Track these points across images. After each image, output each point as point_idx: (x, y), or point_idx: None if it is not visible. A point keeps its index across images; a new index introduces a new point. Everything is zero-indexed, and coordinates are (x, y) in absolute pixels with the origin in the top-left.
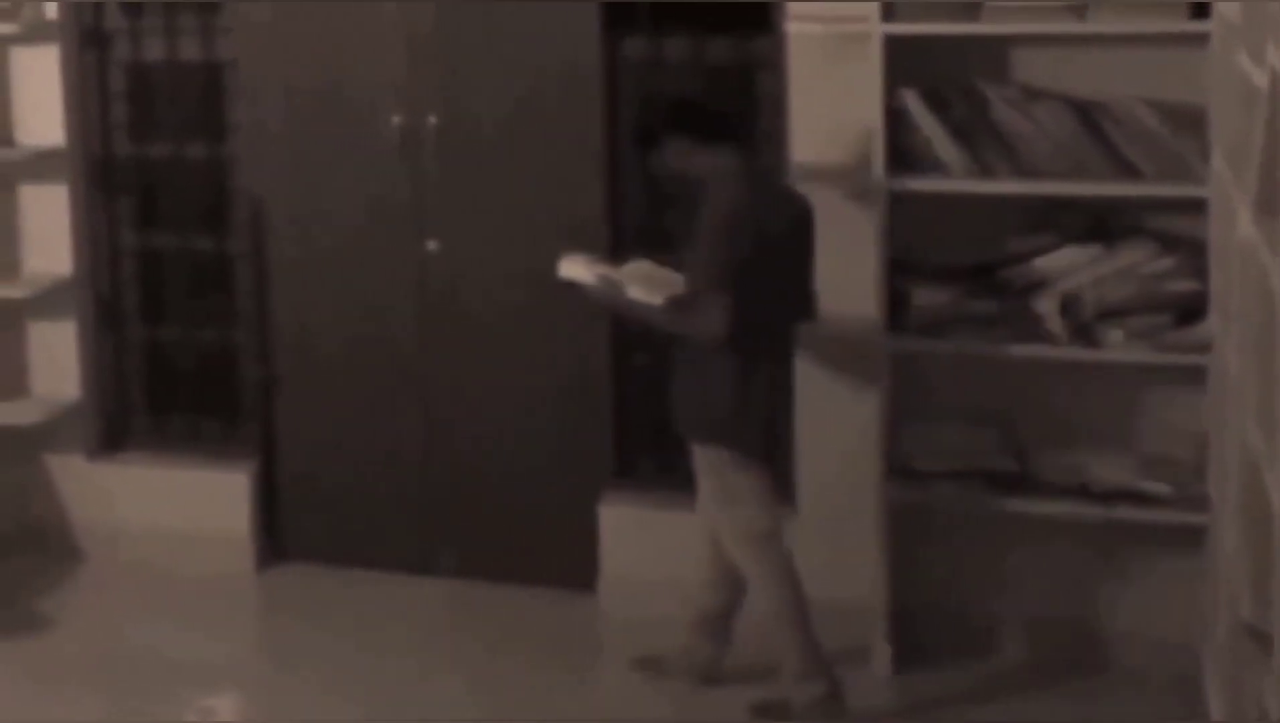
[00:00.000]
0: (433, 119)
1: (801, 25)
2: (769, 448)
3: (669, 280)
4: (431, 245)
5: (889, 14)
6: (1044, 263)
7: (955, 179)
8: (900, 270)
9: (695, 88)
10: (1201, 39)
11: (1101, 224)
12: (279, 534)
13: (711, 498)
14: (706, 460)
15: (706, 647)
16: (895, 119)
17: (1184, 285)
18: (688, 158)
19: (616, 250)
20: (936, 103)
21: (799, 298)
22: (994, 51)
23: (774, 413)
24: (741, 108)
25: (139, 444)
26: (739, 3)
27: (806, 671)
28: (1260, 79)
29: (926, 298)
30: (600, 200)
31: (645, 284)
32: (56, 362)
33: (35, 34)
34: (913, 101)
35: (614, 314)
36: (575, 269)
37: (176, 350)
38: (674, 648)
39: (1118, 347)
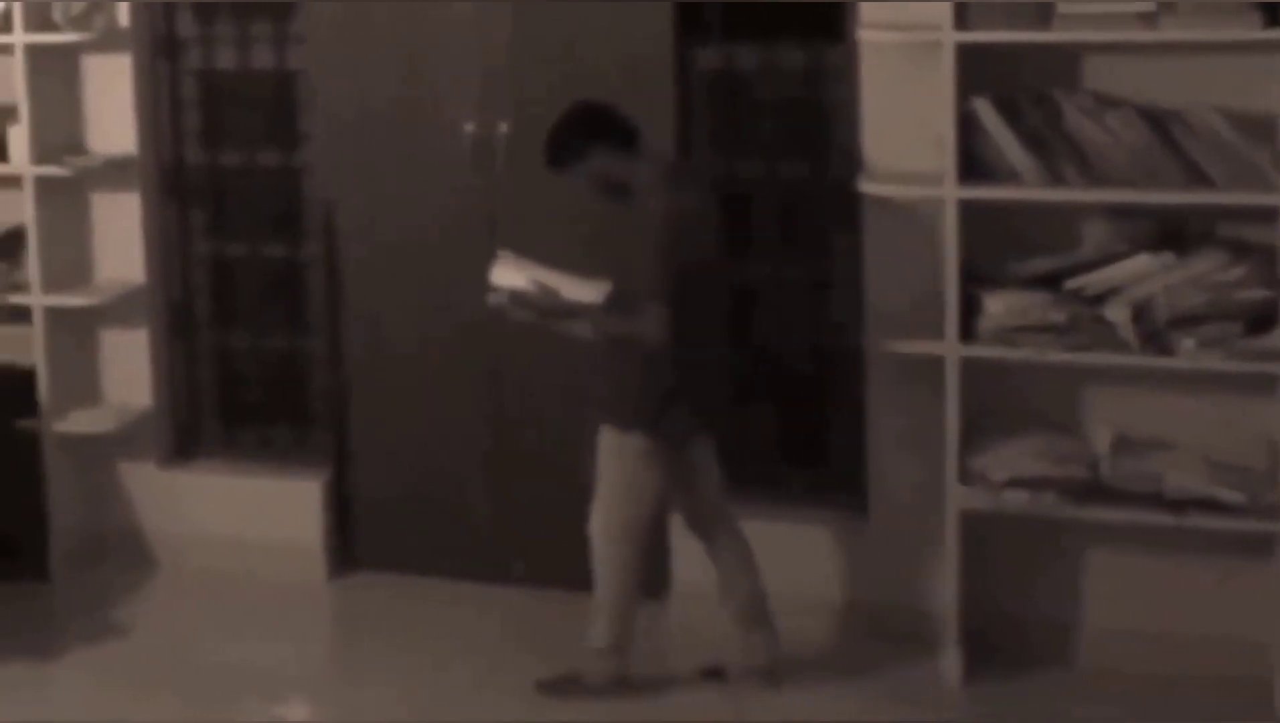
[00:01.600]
0: (504, 126)
1: (874, 33)
2: (683, 445)
3: (584, 280)
4: (504, 252)
5: (961, 22)
6: (1116, 271)
7: (1027, 187)
8: (972, 278)
9: (768, 96)
10: (1274, 46)
11: (1174, 232)
12: (350, 543)
13: (602, 480)
14: (615, 443)
15: (758, 639)
16: (967, 127)
17: (1256, 293)
18: (613, 167)
19: (689, 260)
20: (1009, 111)
21: (712, 284)
22: (1066, 59)
23: (692, 414)
24: (813, 116)
25: (211, 452)
26: (811, 11)
27: (610, 649)
28: None
29: (999, 306)
30: None
31: (573, 285)
32: (129, 370)
33: (107, 42)
34: (985, 109)
35: (540, 324)
36: (508, 275)
37: (248, 358)
38: (733, 655)
39: (1190, 355)
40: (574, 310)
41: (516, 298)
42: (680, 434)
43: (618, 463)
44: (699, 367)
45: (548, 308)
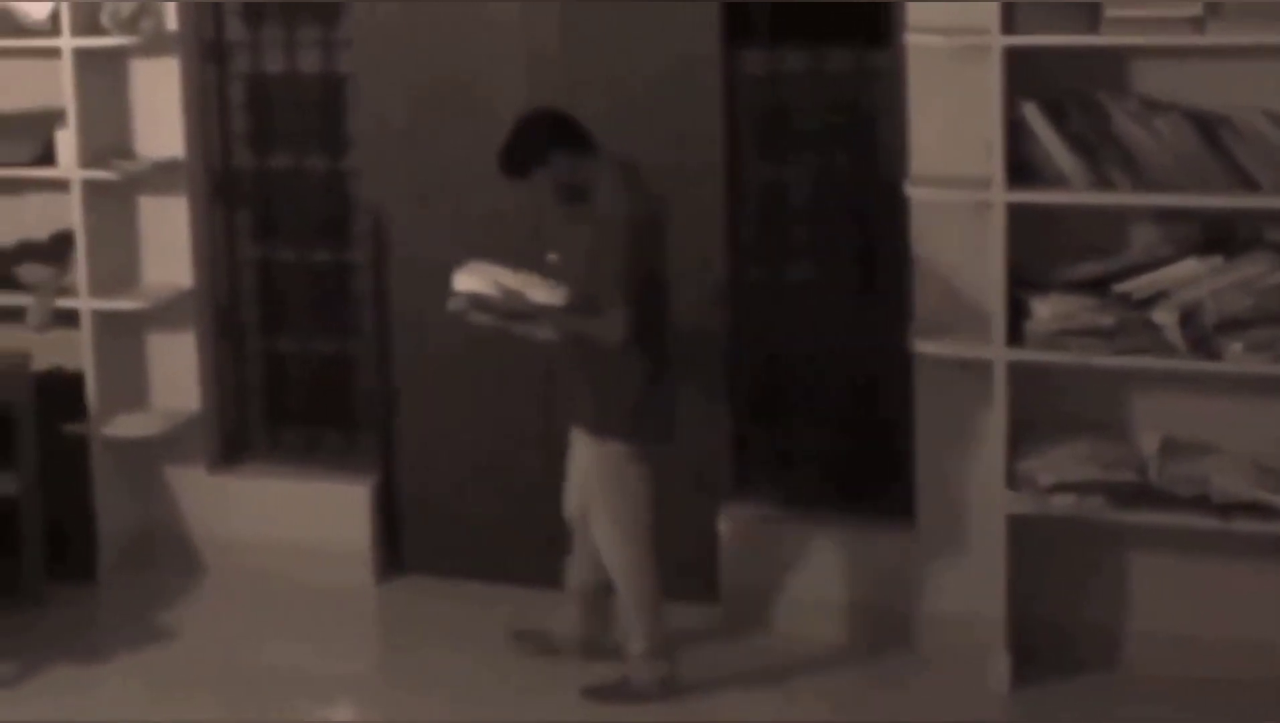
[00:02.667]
0: None
1: (921, 37)
2: (664, 441)
3: (540, 283)
4: (552, 256)
5: (1009, 25)
6: (1163, 275)
7: (1075, 191)
8: (1020, 282)
9: (814, 99)
10: None
11: (1221, 236)
12: (398, 547)
13: (598, 489)
14: (601, 452)
15: (591, 622)
16: (1015, 131)
17: None
18: (573, 172)
19: (737, 262)
20: (1056, 114)
21: (669, 289)
22: (1114, 63)
23: (671, 407)
24: (860, 119)
25: (258, 456)
26: (858, 14)
27: (653, 652)
28: None
29: (1047, 310)
30: (720, 212)
31: (534, 287)
32: (176, 373)
33: (155, 46)
34: (1032, 113)
35: (502, 329)
36: (472, 281)
37: (296, 362)
38: (558, 626)
39: (1237, 358)
40: (536, 312)
41: (477, 301)
42: (657, 434)
43: (604, 471)
44: (665, 368)
45: (509, 310)
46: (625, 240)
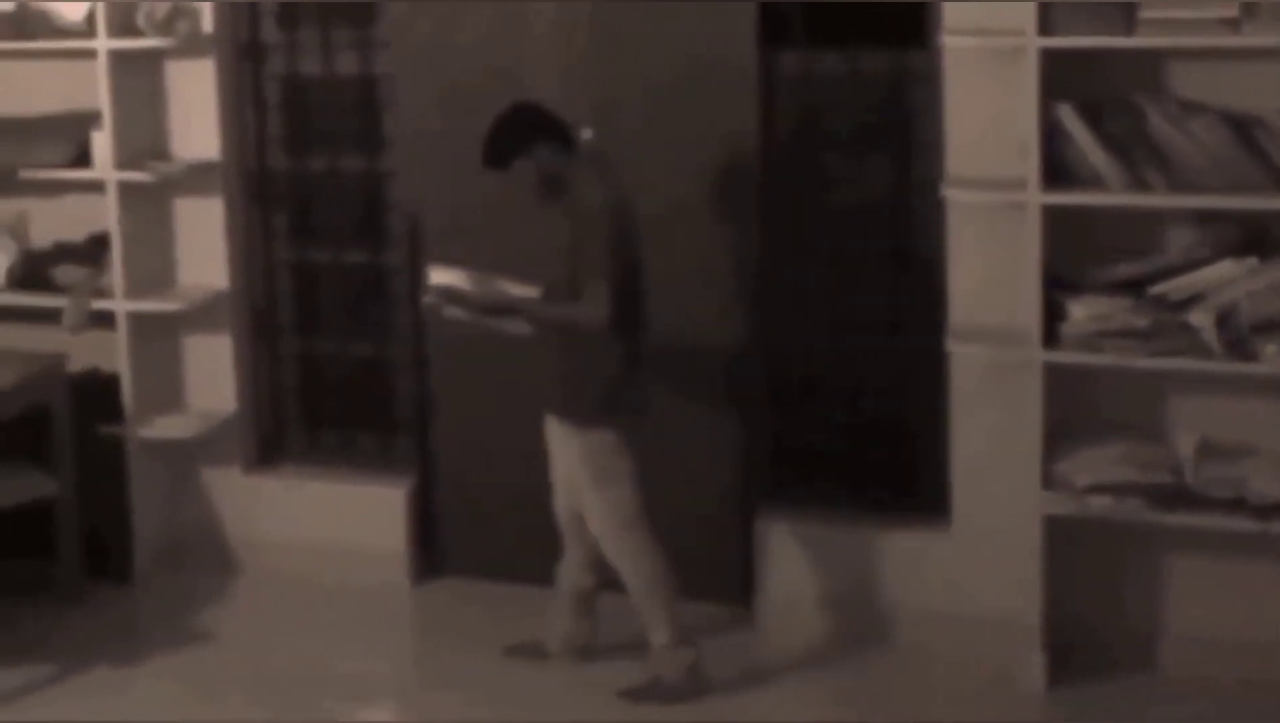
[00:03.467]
0: (587, 133)
1: (957, 39)
2: (639, 421)
3: (513, 283)
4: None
5: (1045, 27)
6: (1200, 276)
7: (1111, 192)
8: (1056, 284)
9: (850, 101)
10: None
11: (1257, 237)
12: (435, 549)
13: (588, 481)
14: (584, 443)
15: (583, 625)
16: (1051, 132)
17: None
18: (553, 164)
19: (769, 266)
20: (1092, 116)
21: (645, 279)
22: (1150, 65)
23: (645, 392)
24: (897, 121)
25: (294, 458)
26: (894, 15)
27: (676, 640)
28: None
29: (1083, 312)
30: (754, 215)
31: (508, 282)
32: (212, 375)
33: (191, 48)
34: (1068, 115)
35: (477, 323)
36: (447, 274)
37: (331, 364)
38: (550, 631)
39: (1273, 360)
40: (512, 304)
41: (451, 294)
42: (635, 418)
43: (592, 462)
44: (640, 355)
45: (483, 303)
46: (605, 227)
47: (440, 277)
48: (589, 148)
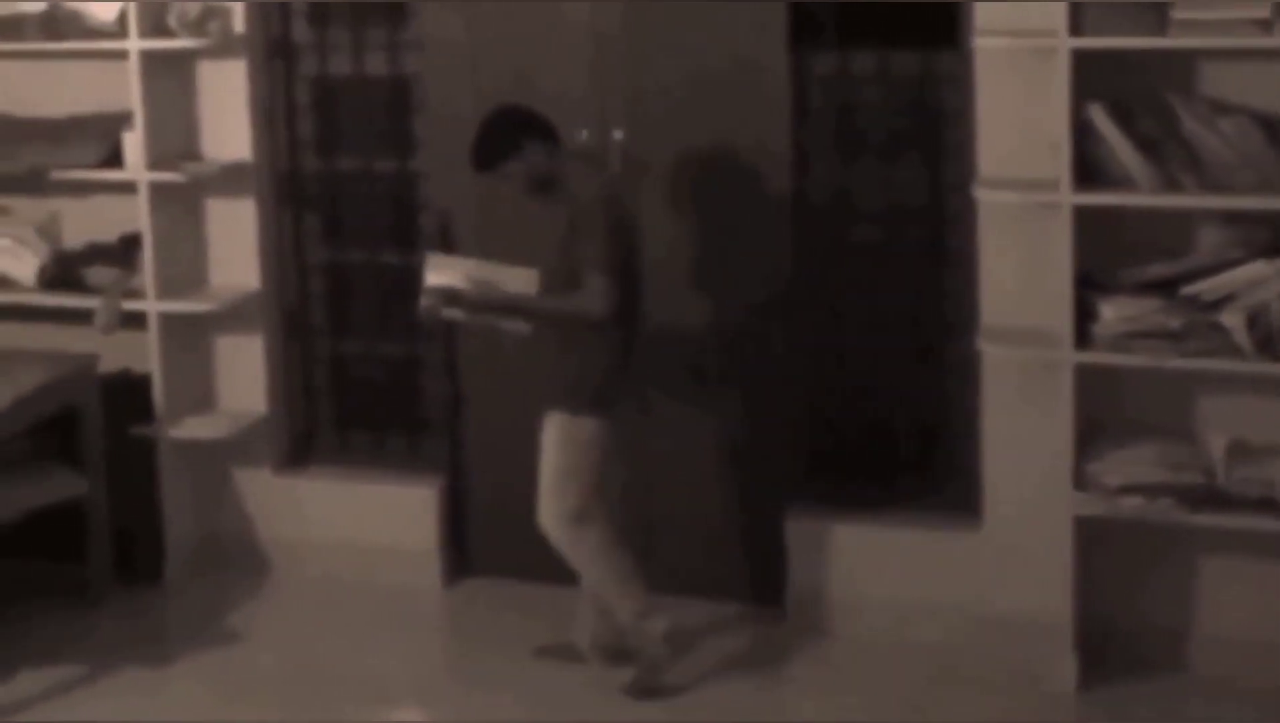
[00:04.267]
0: (618, 133)
1: (989, 39)
2: (629, 421)
3: (513, 271)
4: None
5: (1077, 27)
6: (1231, 277)
7: (1143, 193)
8: (1087, 284)
9: (882, 101)
10: None
11: None
12: (465, 549)
13: (552, 469)
14: (566, 430)
15: (608, 625)
16: (1082, 132)
17: None
18: (544, 162)
19: (801, 266)
20: (1124, 116)
21: (640, 273)
22: (1181, 65)
23: (637, 385)
24: (928, 121)
25: (325, 458)
26: (926, 16)
27: (642, 613)
28: None
29: (1114, 312)
30: (788, 215)
31: (505, 278)
32: (244, 376)
33: (222, 48)
34: (1100, 115)
35: (474, 323)
36: (443, 275)
37: (363, 365)
38: (581, 633)
39: None
40: (510, 302)
41: (449, 296)
42: (624, 410)
43: (567, 447)
44: (634, 348)
45: (483, 303)
46: (602, 220)
47: (437, 277)
48: (579, 144)
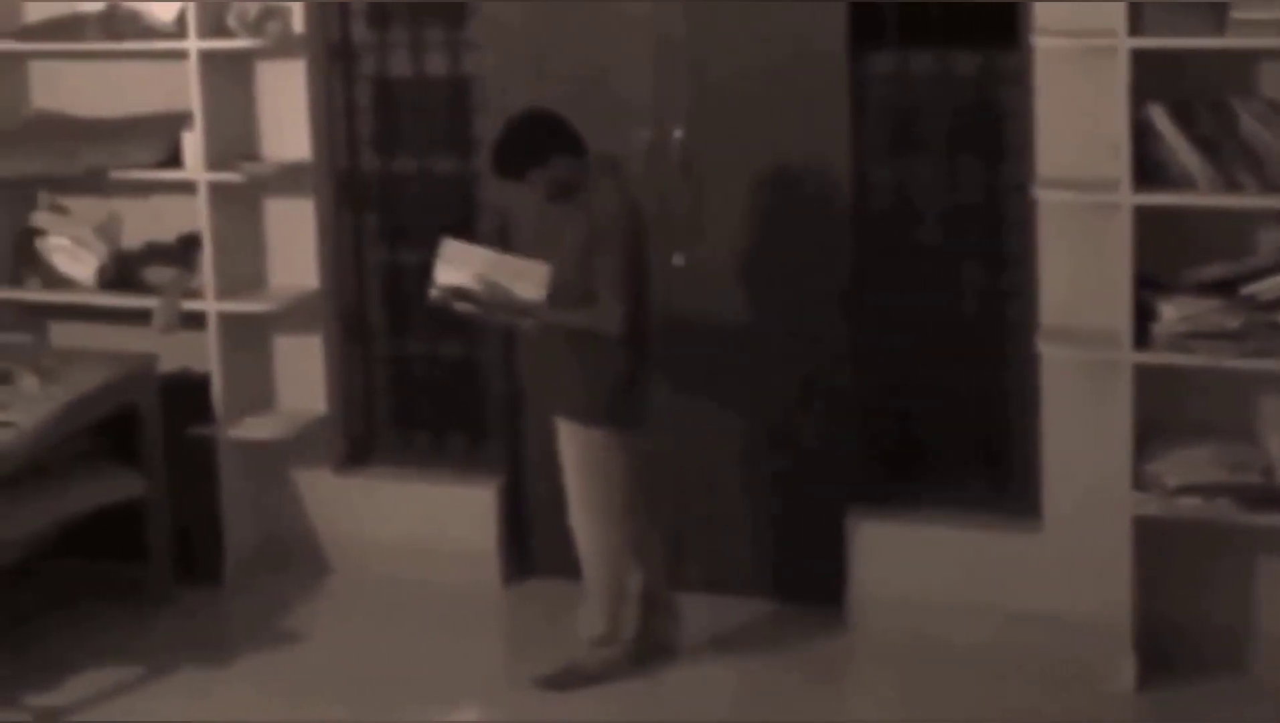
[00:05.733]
0: (678, 133)
1: (1048, 39)
2: (640, 425)
3: (524, 267)
4: (677, 260)
5: (1136, 27)
6: None
7: (1202, 193)
8: (1146, 284)
9: (941, 101)
10: None
11: None
12: (525, 549)
13: (575, 473)
14: (580, 439)
15: (662, 620)
16: (1142, 133)
17: None
18: (569, 170)
19: (861, 265)
20: (1183, 116)
21: (651, 281)
22: (1241, 65)
23: (647, 394)
24: (987, 121)
25: (384, 458)
26: (985, 15)
27: (608, 639)
28: None
29: (1174, 312)
30: (847, 215)
31: (516, 277)
32: (303, 376)
33: (282, 48)
34: (1159, 116)
35: (486, 318)
36: (454, 273)
37: (422, 365)
38: (634, 633)
39: None
40: (521, 308)
41: (459, 294)
42: (637, 419)
43: (583, 457)
44: (646, 357)
45: (492, 303)
46: (622, 235)
47: (447, 275)
48: (602, 155)
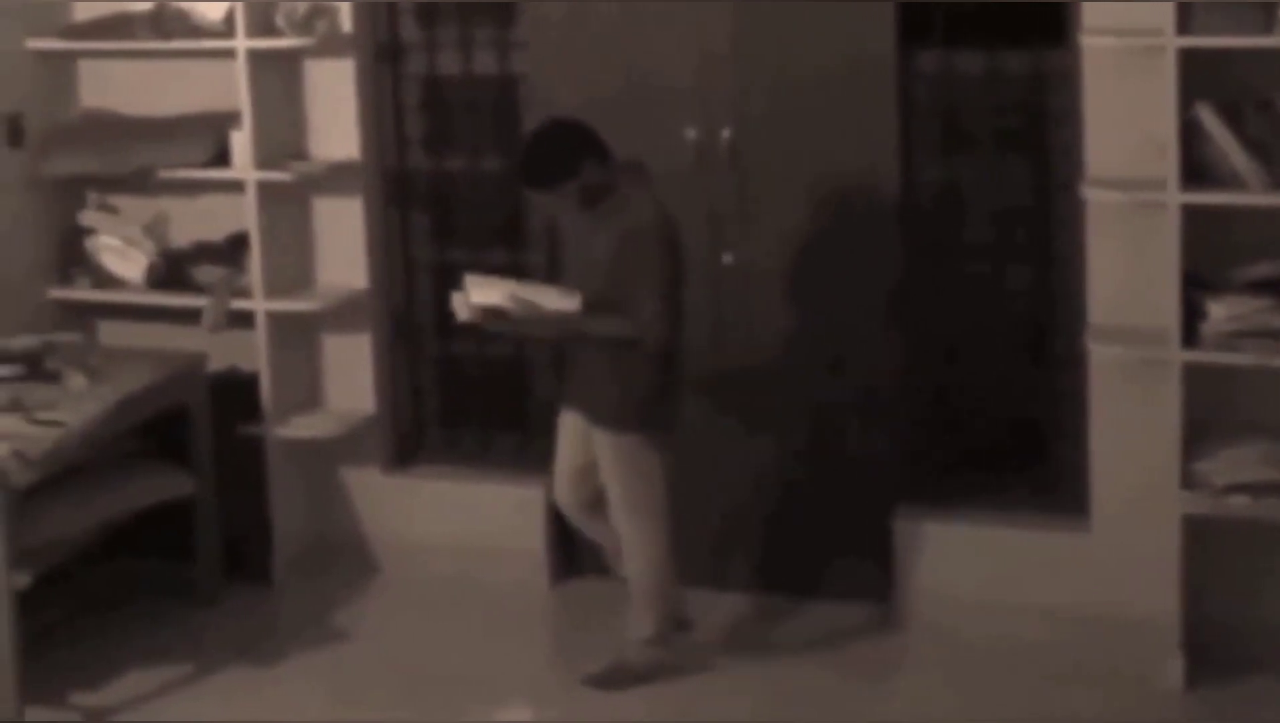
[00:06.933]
0: (726, 133)
1: (1096, 38)
2: (672, 429)
3: (551, 291)
4: (726, 259)
5: (1184, 26)
6: None
7: (1251, 192)
8: (1194, 283)
9: (989, 100)
10: None
11: None
12: (573, 549)
13: (617, 480)
14: (616, 446)
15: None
16: (1190, 132)
17: None
18: (599, 179)
19: (908, 260)
20: (1231, 116)
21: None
22: None
23: (680, 397)
24: (1035, 120)
25: (433, 458)
26: (1033, 15)
27: (656, 639)
28: None
29: (1222, 311)
30: (895, 215)
31: (545, 294)
32: (351, 375)
33: (330, 47)
34: (1207, 115)
35: (515, 333)
36: (487, 293)
37: (470, 364)
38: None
39: None
40: (555, 320)
41: (489, 313)
42: (671, 422)
43: (621, 463)
44: (677, 360)
45: (527, 319)
46: (659, 243)
47: (480, 295)
48: (628, 161)
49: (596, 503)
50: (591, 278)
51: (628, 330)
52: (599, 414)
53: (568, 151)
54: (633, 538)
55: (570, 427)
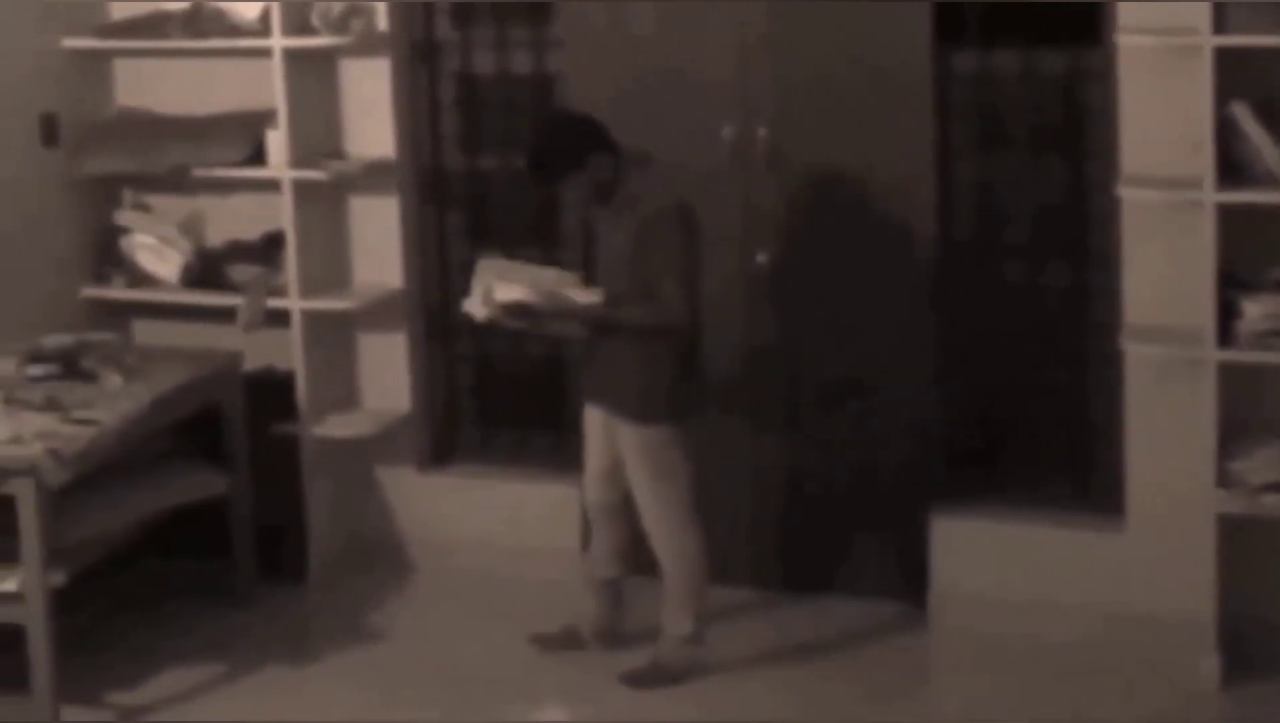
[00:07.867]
0: (763, 131)
1: (1132, 37)
2: (696, 417)
3: (565, 277)
4: (761, 258)
5: (1220, 25)
6: None
7: None
8: (1230, 282)
9: (1025, 99)
10: None
11: None
12: None
13: (644, 476)
14: (642, 440)
15: (612, 614)
16: (1226, 131)
17: None
18: (608, 172)
19: (944, 259)
20: (1268, 114)
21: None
22: None
23: (702, 387)
24: (1071, 119)
25: (468, 457)
26: (1069, 14)
27: (693, 637)
28: None
29: (1258, 310)
30: (931, 214)
31: (563, 284)
32: (387, 374)
33: (365, 46)
34: (1243, 113)
35: (542, 329)
36: (512, 289)
37: (505, 363)
38: (581, 619)
39: None
40: (580, 312)
41: (511, 309)
42: (692, 411)
43: (647, 456)
44: (698, 351)
45: (549, 312)
46: (676, 229)
47: (506, 292)
48: (638, 153)
49: (623, 507)
50: (615, 273)
51: (650, 318)
52: (622, 406)
53: (573, 144)
54: (664, 536)
55: (595, 424)
